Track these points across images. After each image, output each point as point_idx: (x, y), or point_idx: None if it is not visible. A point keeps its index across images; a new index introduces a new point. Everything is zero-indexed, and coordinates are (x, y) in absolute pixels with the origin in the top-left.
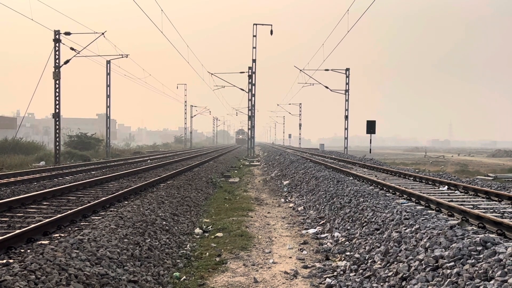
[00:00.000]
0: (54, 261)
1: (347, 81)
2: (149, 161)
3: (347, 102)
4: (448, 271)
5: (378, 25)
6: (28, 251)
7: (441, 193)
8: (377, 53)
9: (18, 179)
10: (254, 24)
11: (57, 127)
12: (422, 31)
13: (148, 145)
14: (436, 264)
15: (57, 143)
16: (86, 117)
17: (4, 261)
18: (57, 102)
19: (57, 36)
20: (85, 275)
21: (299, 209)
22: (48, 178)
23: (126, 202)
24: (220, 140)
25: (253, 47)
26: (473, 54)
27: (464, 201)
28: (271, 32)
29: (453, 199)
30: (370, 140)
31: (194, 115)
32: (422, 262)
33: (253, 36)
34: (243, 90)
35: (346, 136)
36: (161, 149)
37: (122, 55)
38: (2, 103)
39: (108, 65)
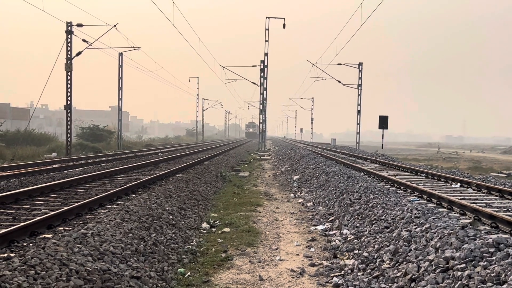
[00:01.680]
0: (56, 256)
1: (360, 76)
2: (160, 154)
3: (359, 97)
4: (459, 273)
5: (392, 19)
6: (31, 245)
7: (453, 190)
8: (391, 47)
9: (28, 170)
10: (266, 17)
11: (69, 119)
12: (436, 26)
13: (160, 138)
14: (447, 266)
15: (69, 135)
16: (100, 109)
17: (5, 255)
18: (68, 94)
19: (69, 28)
20: (87, 271)
21: (309, 204)
22: (58, 170)
23: (134, 195)
24: (232, 133)
25: (266, 41)
26: (488, 50)
27: (476, 199)
28: (284, 26)
29: (466, 197)
30: (383, 135)
31: (206, 108)
32: (432, 263)
33: (266, 29)
34: (254, 83)
35: (358, 131)
36: (173, 142)
37: (134, 47)
38: (17, 95)
39: (120, 57)
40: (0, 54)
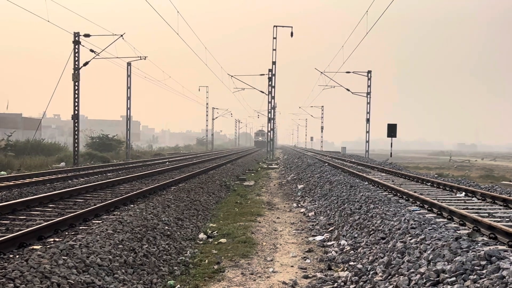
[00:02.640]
0: (38, 268)
1: (369, 84)
2: (167, 163)
3: (368, 105)
4: (449, 287)
5: (401, 26)
6: (17, 256)
7: (457, 200)
8: (401, 55)
9: (33, 180)
10: (274, 26)
11: (76, 128)
12: (446, 32)
13: (170, 147)
14: (437, 279)
15: (76, 145)
16: (111, 119)
17: None
18: (76, 104)
19: (76, 38)
20: (69, 284)
21: (310, 214)
22: (62, 179)
23: (132, 205)
24: (242, 142)
25: (273, 49)
26: (501, 56)
27: (480, 209)
28: (292, 34)
29: (469, 207)
30: (391, 143)
31: (216, 117)
32: (423, 276)
33: (273, 38)
34: (263, 92)
35: (367, 139)
36: (182, 151)
37: (140, 57)
38: (30, 105)
39: (129, 67)
40: (13, 65)
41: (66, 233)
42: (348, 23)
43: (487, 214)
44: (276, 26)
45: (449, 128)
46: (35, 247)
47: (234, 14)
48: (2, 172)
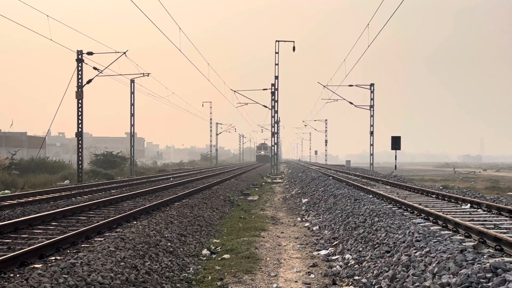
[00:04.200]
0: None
1: (372, 97)
2: (171, 179)
3: (372, 118)
4: None
5: (401, 37)
6: (17, 276)
7: (463, 212)
8: (403, 67)
9: (37, 198)
10: (276, 41)
11: (80, 146)
12: (447, 41)
13: (174, 163)
14: None
15: (80, 162)
16: (115, 135)
17: None
18: (79, 122)
19: (79, 56)
20: None
21: (314, 228)
22: (66, 197)
23: (135, 222)
24: (246, 157)
25: (276, 64)
26: (507, 64)
27: (485, 221)
28: (294, 49)
29: (474, 219)
30: (395, 156)
31: (220, 133)
32: None
33: (276, 52)
34: (266, 107)
35: (371, 152)
36: (187, 166)
37: (143, 73)
38: (34, 123)
39: (132, 84)
40: (17, 84)
41: (68, 251)
42: (351, 35)
43: (493, 226)
44: (278, 41)
45: (454, 140)
46: (36, 265)
47: (235, 26)
48: (6, 191)
